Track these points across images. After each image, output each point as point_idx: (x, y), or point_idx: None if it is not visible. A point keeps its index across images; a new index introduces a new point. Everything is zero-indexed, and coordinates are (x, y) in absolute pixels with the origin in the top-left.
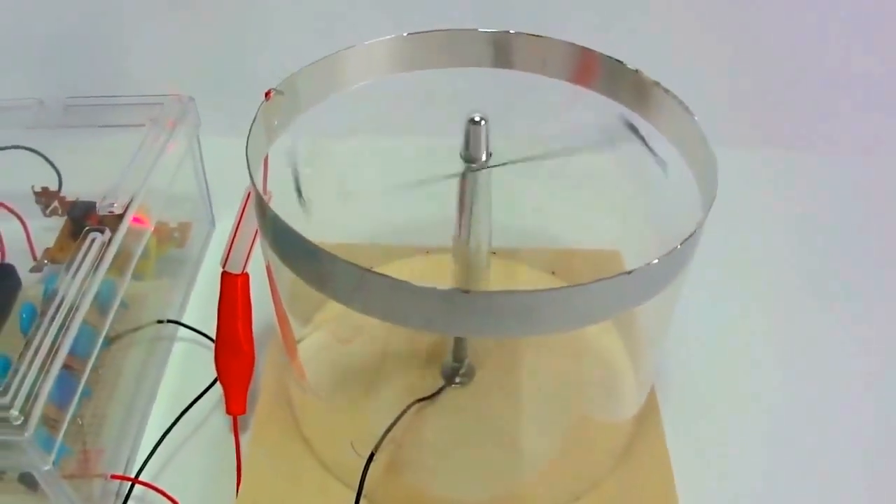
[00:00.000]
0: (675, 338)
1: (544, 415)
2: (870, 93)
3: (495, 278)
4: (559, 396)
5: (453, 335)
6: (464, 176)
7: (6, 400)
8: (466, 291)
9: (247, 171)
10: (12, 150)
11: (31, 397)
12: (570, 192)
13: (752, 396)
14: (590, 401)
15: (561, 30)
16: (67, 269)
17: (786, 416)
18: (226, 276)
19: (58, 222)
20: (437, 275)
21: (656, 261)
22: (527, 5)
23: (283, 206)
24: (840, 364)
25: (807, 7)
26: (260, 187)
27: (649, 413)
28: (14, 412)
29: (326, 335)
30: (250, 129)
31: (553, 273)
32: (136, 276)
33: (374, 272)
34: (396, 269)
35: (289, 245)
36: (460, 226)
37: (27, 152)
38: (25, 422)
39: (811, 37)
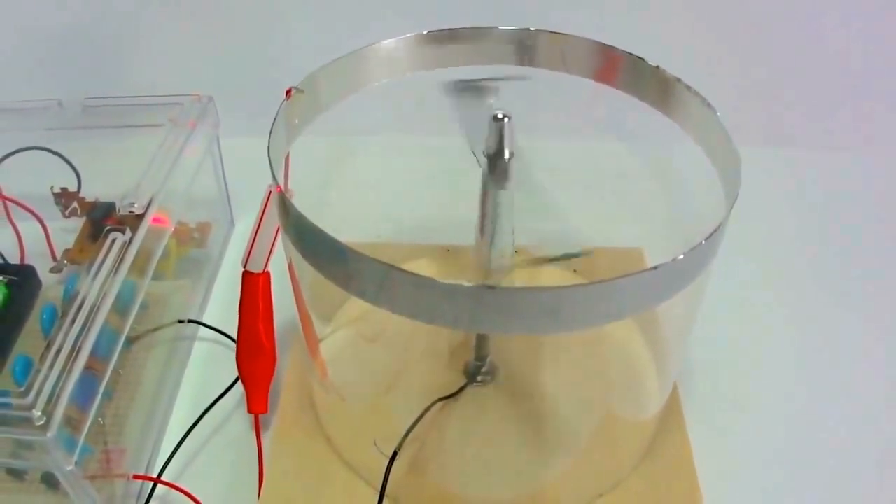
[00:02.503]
0: (697, 336)
1: (567, 413)
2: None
3: (517, 277)
4: (582, 394)
5: (479, 332)
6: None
7: (28, 400)
8: (492, 288)
9: (265, 170)
10: (31, 151)
11: (53, 398)
12: (592, 191)
13: (775, 394)
14: (612, 399)
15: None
16: (88, 269)
17: (809, 413)
18: (247, 276)
19: (77, 223)
20: (459, 273)
21: (682, 256)
22: (525, 4)
23: (305, 205)
24: (864, 361)
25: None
26: (282, 185)
27: (672, 411)
28: (36, 412)
29: (348, 334)
30: (272, 128)
31: (575, 271)
32: (157, 277)
33: (401, 269)
34: (418, 268)
35: (314, 244)
36: (483, 225)
37: (46, 153)
38: (48, 422)
39: (815, 33)
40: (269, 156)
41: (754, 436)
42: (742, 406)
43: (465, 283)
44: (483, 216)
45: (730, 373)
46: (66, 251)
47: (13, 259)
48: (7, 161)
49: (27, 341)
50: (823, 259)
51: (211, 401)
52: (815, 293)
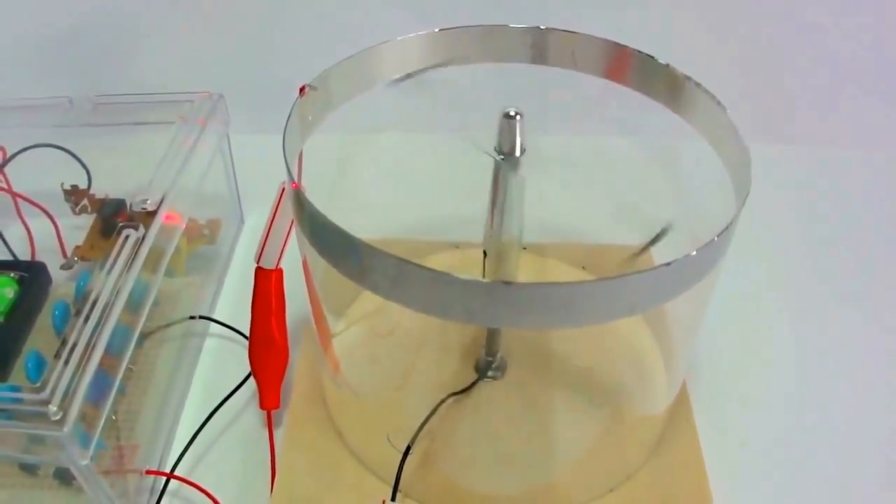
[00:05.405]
0: (706, 332)
1: (577, 408)
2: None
3: (526, 274)
4: (591, 390)
5: (493, 327)
6: (496, 170)
7: (44, 395)
8: (508, 283)
9: (275, 167)
10: (42, 149)
11: (69, 394)
12: (600, 188)
13: (784, 390)
14: (622, 394)
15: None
16: (101, 266)
17: (817, 410)
18: (260, 272)
19: (87, 220)
20: (469, 269)
21: (694, 252)
22: (536, 3)
23: (315, 202)
24: (872, 358)
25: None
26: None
27: (681, 406)
28: (53, 407)
29: (360, 329)
30: (286, 125)
31: (583, 268)
32: (168, 274)
33: (418, 264)
34: (429, 264)
35: (330, 240)
36: (492, 220)
37: (56, 150)
38: (64, 417)
39: (825, 29)
40: (284, 152)
41: (763, 432)
42: (751, 402)
43: (480, 279)
44: (493, 211)
45: (738, 370)
46: (77, 248)
47: (24, 256)
48: (17, 158)
49: (38, 338)
50: (832, 257)
51: (223, 396)
52: (824, 291)
